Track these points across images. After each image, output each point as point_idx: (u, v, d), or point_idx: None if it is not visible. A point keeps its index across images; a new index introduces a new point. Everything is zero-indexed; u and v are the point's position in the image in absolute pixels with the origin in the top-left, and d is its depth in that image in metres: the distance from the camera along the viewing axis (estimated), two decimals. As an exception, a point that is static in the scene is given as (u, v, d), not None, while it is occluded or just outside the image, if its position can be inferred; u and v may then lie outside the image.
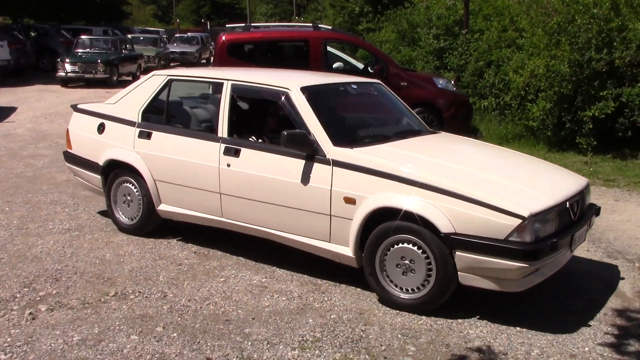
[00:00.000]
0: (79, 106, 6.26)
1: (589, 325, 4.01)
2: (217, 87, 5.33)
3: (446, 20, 13.01)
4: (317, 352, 3.66)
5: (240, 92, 5.22)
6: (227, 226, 5.09)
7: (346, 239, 4.37)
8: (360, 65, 11.21)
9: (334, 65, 10.53)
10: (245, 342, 3.77)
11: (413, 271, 4.14)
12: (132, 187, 5.61)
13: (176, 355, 3.60)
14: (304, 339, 3.81)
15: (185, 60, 30.21)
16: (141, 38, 28.06)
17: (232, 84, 5.12)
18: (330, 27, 11.19)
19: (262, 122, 5.65)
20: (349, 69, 10.88)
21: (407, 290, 4.19)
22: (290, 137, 4.45)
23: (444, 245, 3.97)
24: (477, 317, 4.13)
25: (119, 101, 5.82)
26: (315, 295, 4.46)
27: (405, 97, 9.67)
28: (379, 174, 4.22)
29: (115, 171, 5.71)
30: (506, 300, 4.19)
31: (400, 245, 4.16)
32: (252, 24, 10.95)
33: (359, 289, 4.55)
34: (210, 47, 34.82)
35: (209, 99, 6.00)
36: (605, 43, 8.38)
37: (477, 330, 3.97)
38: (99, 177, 5.83)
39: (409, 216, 4.05)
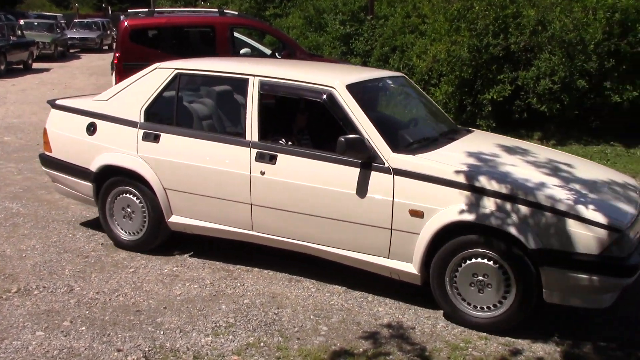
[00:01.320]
0: (57, 102, 5.39)
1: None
2: (241, 83, 4.72)
3: (352, 6, 13.16)
4: (230, 337, 3.68)
5: (270, 90, 4.51)
6: (257, 240, 4.52)
7: (409, 254, 3.94)
8: (268, 51, 11.20)
9: (241, 51, 10.44)
10: (157, 331, 3.73)
11: (489, 287, 3.76)
12: (134, 198, 4.86)
13: (85, 349, 3.52)
14: (217, 325, 3.82)
15: (86, 47, 28.95)
16: (35, 23, 26.38)
17: (260, 81, 4.48)
18: (236, 13, 11.09)
19: (297, 124, 5.04)
20: (256, 55, 10.84)
21: (481, 308, 3.82)
22: (349, 144, 3.91)
23: (528, 261, 3.61)
24: (386, 295, 4.26)
25: (112, 97, 5.01)
26: (227, 281, 4.46)
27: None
28: (452, 184, 3.78)
29: (111, 179, 4.93)
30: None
31: (474, 260, 3.76)
32: (155, 9, 10.67)
33: (271, 273, 4.59)
34: (113, 33, 33.73)
35: (228, 96, 5.30)
36: (502, 29, 8.76)
37: (386, 308, 4.10)
38: (90, 184, 5.02)
39: (489, 230, 3.70)
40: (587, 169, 4.40)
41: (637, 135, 8.71)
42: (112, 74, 14.51)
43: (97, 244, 5.13)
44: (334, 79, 4.31)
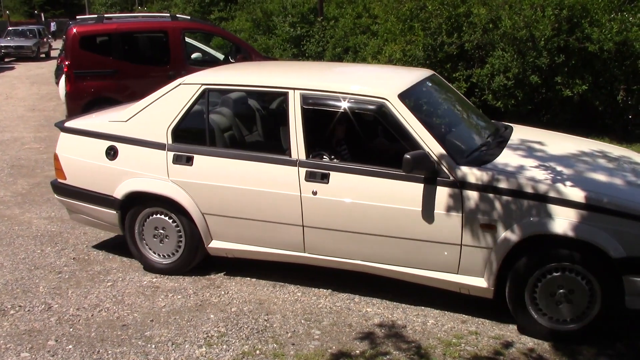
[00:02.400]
0: (67, 124, 4.93)
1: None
2: (278, 97, 4.47)
3: (301, 8, 13.20)
4: (224, 347, 3.63)
5: (314, 104, 4.17)
6: (310, 262, 4.29)
7: (479, 269, 3.80)
8: (220, 55, 11.09)
9: (193, 56, 10.31)
10: (149, 345, 3.65)
11: (572, 300, 3.64)
12: (167, 219, 4.56)
13: (76, 368, 3.42)
14: (209, 335, 3.76)
15: (22, 56, 28.04)
16: (-36, 34, 25.52)
17: (302, 94, 4.17)
18: (189, 17, 10.95)
19: (344, 138, 4.71)
20: (207, 60, 10.72)
21: (563, 321, 3.70)
22: (416, 160, 3.70)
23: (611, 270, 3.51)
24: (372, 295, 4.28)
25: (132, 118, 4.61)
26: (211, 290, 4.39)
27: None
28: (527, 196, 3.62)
29: (139, 205, 4.62)
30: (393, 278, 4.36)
31: (555, 274, 3.64)
32: (104, 15, 10.41)
33: (254, 279, 4.55)
34: (49, 40, 32.75)
35: (264, 112, 5.00)
36: (455, 28, 8.93)
37: (374, 308, 4.13)
38: (114, 212, 4.66)
39: (571, 242, 3.56)
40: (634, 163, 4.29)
41: (584, 127, 9.01)
42: (56, 83, 14.19)
43: (69, 259, 4.98)
44: (384, 89, 4.06)
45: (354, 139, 4.81)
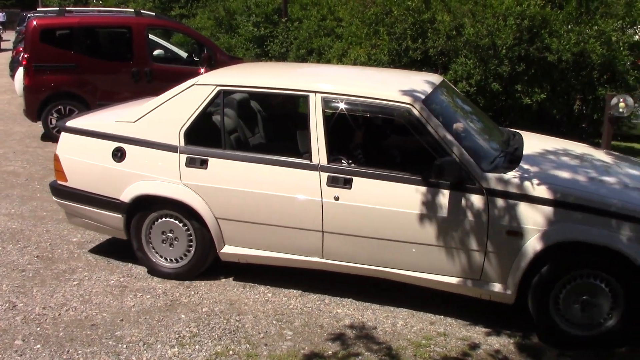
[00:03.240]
0: (69, 124, 4.74)
1: (440, 296, 4.38)
2: (298, 100, 4.34)
3: (265, 9, 13.15)
4: (197, 347, 3.63)
5: (336, 108, 4.14)
6: (328, 267, 4.23)
7: (502, 275, 3.83)
8: (183, 53, 11.00)
9: (155, 53, 10.22)
10: (119, 345, 3.62)
11: (596, 307, 3.70)
12: (178, 223, 4.44)
13: (46, 368, 3.37)
14: (181, 335, 3.75)
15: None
16: None
17: (323, 98, 4.11)
18: (153, 14, 10.82)
19: (368, 143, 4.67)
20: (170, 57, 10.63)
21: (584, 326, 3.76)
22: (445, 167, 3.72)
23: (634, 276, 3.58)
24: (342, 296, 4.34)
25: (141, 119, 4.47)
26: (180, 290, 4.38)
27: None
28: (552, 203, 3.66)
29: (147, 209, 4.47)
30: (363, 279, 4.41)
31: (579, 280, 3.70)
32: (66, 8, 10.21)
33: (223, 280, 4.55)
34: (1, 33, 31.82)
35: (283, 114, 4.85)
36: (419, 33, 9.05)
37: (344, 309, 4.18)
38: (120, 216, 4.50)
39: (597, 249, 3.61)
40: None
41: (542, 134, 9.28)
42: (11, 76, 13.81)
43: (32, 257, 4.88)
44: (409, 95, 4.03)
45: (375, 144, 4.77)
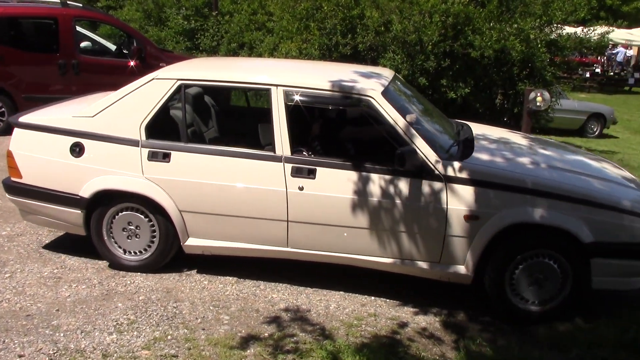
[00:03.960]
0: (23, 120, 4.58)
1: (371, 279, 4.58)
2: (260, 93, 4.30)
3: (195, 2, 13.13)
4: (135, 333, 3.69)
5: (298, 101, 4.23)
6: (292, 256, 4.33)
7: (460, 257, 4.05)
8: (111, 45, 10.85)
9: (82, 45, 10.05)
10: (57, 334, 3.64)
11: (548, 283, 4.02)
12: (140, 215, 4.44)
13: (-19, 358, 3.36)
14: (119, 322, 3.80)
15: None
16: None
17: (285, 91, 4.21)
18: (80, 5, 10.60)
19: (329, 135, 4.77)
20: (97, 49, 10.47)
21: (539, 302, 4.07)
22: (406, 156, 3.91)
23: (581, 254, 3.91)
24: (277, 282, 4.48)
25: (100, 113, 4.39)
26: (116, 280, 4.41)
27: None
28: (507, 188, 3.93)
29: (107, 203, 4.43)
30: (297, 265, 4.57)
31: (531, 260, 4.01)
32: (-13, -2, 9.88)
33: (159, 268, 4.60)
34: None
35: (244, 107, 4.84)
36: (349, 29, 9.27)
37: (279, 294, 4.32)
38: (79, 212, 4.42)
39: (547, 229, 3.92)
40: (595, 162, 4.79)
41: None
42: None
43: (-40, 251, 4.79)
44: (369, 86, 4.22)
45: (336, 135, 4.88)
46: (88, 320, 3.81)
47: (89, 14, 10.33)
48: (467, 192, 3.95)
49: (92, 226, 4.50)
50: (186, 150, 4.29)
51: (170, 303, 4.09)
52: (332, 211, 4.10)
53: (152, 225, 4.44)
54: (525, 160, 4.36)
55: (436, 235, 4.02)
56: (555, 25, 9.36)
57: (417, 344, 3.74)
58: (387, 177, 4.04)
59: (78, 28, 10.09)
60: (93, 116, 4.42)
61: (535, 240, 3.98)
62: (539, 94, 7.54)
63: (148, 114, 4.33)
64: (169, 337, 3.67)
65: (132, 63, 9.44)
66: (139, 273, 4.52)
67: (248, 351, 3.56)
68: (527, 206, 3.91)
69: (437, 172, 3.98)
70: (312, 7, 9.54)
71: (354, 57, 9.39)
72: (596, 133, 13.46)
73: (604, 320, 3.91)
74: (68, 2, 9.53)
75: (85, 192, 4.37)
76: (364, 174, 4.06)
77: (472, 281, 4.12)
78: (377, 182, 4.04)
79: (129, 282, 4.38)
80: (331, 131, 4.88)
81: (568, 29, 9.70)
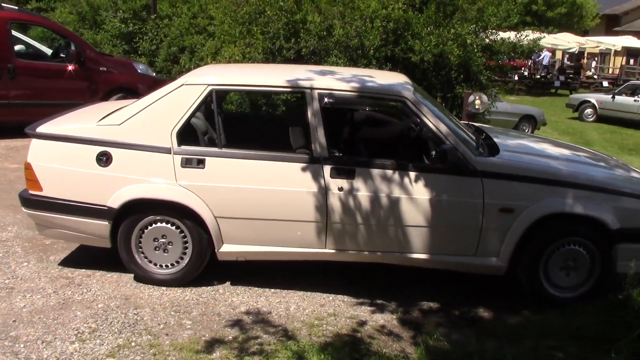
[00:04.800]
0: (40, 130, 4.40)
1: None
2: (291, 96, 4.40)
3: (133, 5, 12.93)
4: (97, 341, 3.67)
5: (333, 103, 4.29)
6: (329, 257, 4.37)
7: (495, 250, 4.25)
8: (47, 49, 10.57)
9: (16, 48, 9.76)
10: (17, 345, 3.58)
11: (577, 270, 4.31)
12: (171, 227, 4.34)
13: (-61, 373, 3.27)
14: (80, 331, 3.77)
15: None
16: None
17: (320, 94, 4.27)
18: (16, 7, 10.29)
19: (364, 136, 4.86)
20: (33, 53, 10.19)
21: (567, 288, 4.35)
22: (449, 152, 4.11)
23: (609, 241, 4.23)
24: (235, 285, 4.52)
25: (127, 121, 4.29)
26: (72, 288, 4.35)
27: (106, 82, 9.59)
28: (540, 181, 4.19)
29: (136, 214, 4.31)
30: (255, 267, 4.64)
31: (566, 247, 4.28)
32: None
33: (115, 276, 4.57)
34: None
35: (277, 111, 4.80)
36: (292, 33, 9.35)
37: (239, 297, 4.37)
38: (105, 223, 4.29)
39: (579, 218, 4.19)
40: (590, 153, 5.20)
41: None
42: None
43: None
44: (402, 89, 4.38)
45: (370, 136, 5.01)
46: (48, 330, 3.76)
47: (25, 17, 10.06)
48: (501, 186, 4.19)
49: (119, 239, 4.38)
50: (221, 155, 4.26)
51: (130, 310, 4.07)
52: (371, 210, 4.21)
53: (184, 237, 4.36)
54: (547, 155, 4.75)
55: (473, 229, 4.23)
56: (489, 30, 9.73)
57: (377, 341, 3.86)
58: (425, 174, 4.21)
59: (12, 32, 9.82)
60: (120, 124, 4.31)
61: (567, 229, 4.27)
62: (477, 97, 7.84)
63: (179, 121, 4.27)
64: (133, 344, 3.66)
65: (70, 67, 9.25)
66: (94, 280, 4.48)
67: (214, 354, 3.60)
68: (559, 197, 4.20)
69: (472, 168, 4.18)
70: (254, 11, 9.58)
71: (297, 61, 9.48)
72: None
73: (551, 311, 4.13)
74: (3, 4, 9.24)
75: (114, 202, 4.24)
76: (401, 172, 4.20)
77: (505, 273, 4.35)
78: (414, 180, 4.20)
79: (85, 290, 4.33)
80: (366, 132, 5.04)
81: (502, 34, 10.10)
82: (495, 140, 4.86)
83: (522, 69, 27.36)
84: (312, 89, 4.30)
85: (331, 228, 4.26)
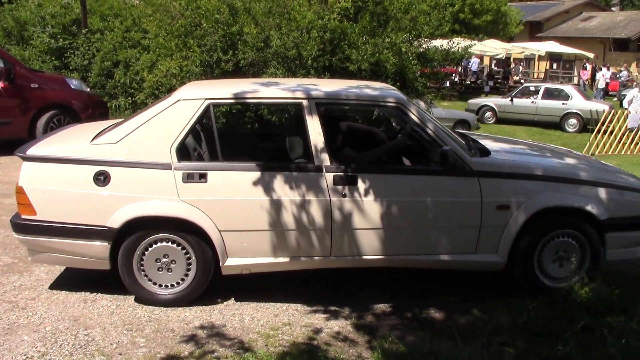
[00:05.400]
0: (31, 152, 4.26)
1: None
2: (290, 108, 4.49)
3: (62, 19, 12.61)
4: (48, 365, 3.56)
5: (331, 112, 4.41)
6: (334, 264, 4.42)
7: (493, 246, 4.43)
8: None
9: None
10: (-38, 374, 3.44)
11: (570, 260, 4.50)
12: (173, 245, 4.26)
13: None
14: (29, 356, 3.65)
15: None
16: None
17: (317, 103, 4.35)
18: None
19: (361, 142, 4.97)
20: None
21: (559, 279, 4.56)
22: (449, 154, 4.24)
23: (597, 231, 4.48)
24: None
25: (123, 139, 4.22)
26: (16, 312, 4.21)
27: (38, 99, 9.33)
28: (532, 178, 4.42)
29: (137, 233, 4.21)
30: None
31: (559, 239, 4.51)
32: None
33: (61, 297, 4.45)
34: None
35: (274, 122, 5.00)
36: (229, 45, 9.33)
37: (192, 312, 4.32)
38: (105, 244, 4.17)
39: (566, 211, 4.45)
40: (566, 150, 5.74)
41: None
42: None
43: None
44: (396, 95, 4.58)
45: (368, 142, 5.15)
46: (-6, 357, 3.63)
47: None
48: (497, 185, 4.39)
49: (120, 260, 4.27)
50: (223, 168, 4.25)
51: (80, 331, 3.97)
52: (374, 215, 4.29)
53: (187, 254, 4.30)
54: (534, 155, 5.14)
55: (473, 227, 4.40)
56: (423, 39, 9.98)
57: (334, 348, 3.89)
58: (425, 177, 4.40)
59: None
60: (116, 142, 4.24)
61: (558, 222, 4.51)
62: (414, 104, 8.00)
63: (178, 136, 4.24)
64: (86, 365, 3.57)
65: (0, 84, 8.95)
66: (40, 303, 4.35)
67: (171, 371, 3.55)
68: (552, 192, 4.44)
69: (469, 168, 4.36)
70: (190, 24, 9.51)
71: (236, 73, 9.47)
72: (462, 138, 14.41)
73: (499, 309, 4.25)
74: None
75: (114, 222, 4.15)
76: (402, 176, 4.39)
77: (502, 269, 4.54)
78: (415, 183, 4.37)
79: (30, 314, 4.20)
80: (362, 139, 5.18)
81: (434, 42, 10.36)
82: (487, 144, 5.08)
83: (453, 75, 28.09)
84: (310, 98, 4.38)
85: (336, 235, 4.31)
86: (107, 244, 4.20)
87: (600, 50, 36.96)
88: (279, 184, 4.23)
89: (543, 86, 19.31)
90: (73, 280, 4.59)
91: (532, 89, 19.31)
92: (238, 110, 5.26)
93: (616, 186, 4.60)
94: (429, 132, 4.43)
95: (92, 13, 13.02)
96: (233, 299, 4.51)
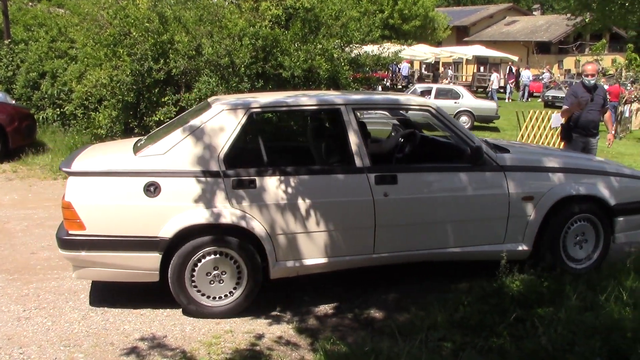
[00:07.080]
0: (76, 167, 4.26)
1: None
2: (328, 113, 5.05)
3: (-17, 30, 12.19)
4: (-18, 386, 3.44)
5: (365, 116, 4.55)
6: (376, 262, 4.63)
7: (520, 235, 4.82)
8: None
9: None
10: None
11: (586, 242, 5.03)
12: (223, 257, 4.32)
13: None
14: (-40, 378, 3.52)
15: None
16: None
17: (354, 108, 4.65)
18: None
19: (398, 143, 5.37)
20: None
21: (579, 260, 5.03)
22: (482, 150, 4.63)
23: (608, 215, 4.98)
24: (126, 313, 4.41)
25: (171, 150, 4.26)
26: (-55, 334, 4.05)
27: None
28: (550, 170, 4.89)
29: (187, 243, 4.20)
30: (146, 292, 4.55)
31: (579, 223, 4.98)
32: None
33: (-7, 317, 4.31)
34: None
35: (314, 128, 5.41)
36: (160, 54, 9.23)
37: (131, 325, 4.26)
38: (156, 255, 4.15)
39: (582, 199, 4.90)
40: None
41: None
42: None
43: None
44: (425, 100, 5.14)
45: (402, 144, 5.43)
46: None
47: None
48: (521, 178, 4.79)
49: (171, 272, 4.27)
50: (270, 174, 4.36)
51: (14, 350, 3.85)
52: (415, 212, 4.59)
53: (236, 264, 4.35)
54: (539, 151, 5.55)
55: (501, 218, 4.76)
56: (354, 45, 10.14)
57: (277, 352, 3.92)
58: (460, 173, 4.69)
59: None
60: (164, 153, 4.30)
61: (577, 208, 4.95)
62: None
63: (225, 144, 4.34)
64: (22, 384, 3.48)
65: None
66: (-30, 324, 4.20)
67: (112, 385, 3.49)
68: (570, 182, 4.91)
69: (496, 163, 4.74)
70: (119, 33, 9.36)
71: (168, 82, 9.38)
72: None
73: (436, 305, 4.37)
74: None
75: (166, 232, 4.16)
76: (438, 174, 4.71)
77: (531, 256, 4.90)
78: (451, 179, 4.71)
79: (-40, 335, 4.05)
80: (399, 141, 5.52)
81: (365, 48, 10.54)
82: (502, 143, 5.57)
83: (385, 80, 28.59)
84: (347, 104, 4.64)
85: (379, 233, 4.52)
86: (158, 254, 4.21)
87: (524, 53, 38.39)
88: (325, 186, 4.45)
89: (435, 87, 20.48)
90: (4, 298, 4.43)
91: (424, 89, 20.11)
92: (277, 117, 5.80)
93: (621, 175, 5.15)
94: (457, 131, 4.82)
95: (15, 23, 12.64)
96: (174, 308, 4.47)
